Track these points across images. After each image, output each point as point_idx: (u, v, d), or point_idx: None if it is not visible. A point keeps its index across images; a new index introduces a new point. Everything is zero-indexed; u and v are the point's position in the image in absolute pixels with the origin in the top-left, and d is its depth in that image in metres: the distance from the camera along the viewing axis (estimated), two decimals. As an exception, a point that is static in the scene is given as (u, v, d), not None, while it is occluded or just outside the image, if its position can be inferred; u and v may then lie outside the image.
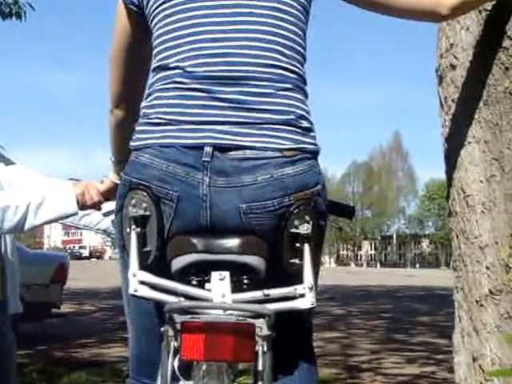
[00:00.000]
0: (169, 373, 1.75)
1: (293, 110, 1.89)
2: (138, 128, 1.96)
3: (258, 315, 1.74)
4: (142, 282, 1.80)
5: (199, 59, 1.88)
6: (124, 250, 1.97)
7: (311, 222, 1.86)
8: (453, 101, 2.16)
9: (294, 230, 1.85)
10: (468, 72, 2.11)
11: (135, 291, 1.80)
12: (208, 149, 1.83)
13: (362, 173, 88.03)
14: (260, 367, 1.72)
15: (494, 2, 2.02)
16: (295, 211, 1.85)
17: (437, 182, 73.73)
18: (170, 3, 1.92)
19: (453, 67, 2.16)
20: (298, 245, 1.86)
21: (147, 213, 1.87)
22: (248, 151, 1.84)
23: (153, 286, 1.81)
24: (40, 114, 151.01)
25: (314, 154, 1.92)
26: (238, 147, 1.84)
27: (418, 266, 76.82)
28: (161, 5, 1.94)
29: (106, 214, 2.65)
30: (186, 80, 1.89)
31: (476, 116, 2.06)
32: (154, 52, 1.99)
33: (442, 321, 11.44)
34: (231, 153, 1.84)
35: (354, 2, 2.00)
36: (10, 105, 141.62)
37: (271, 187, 1.84)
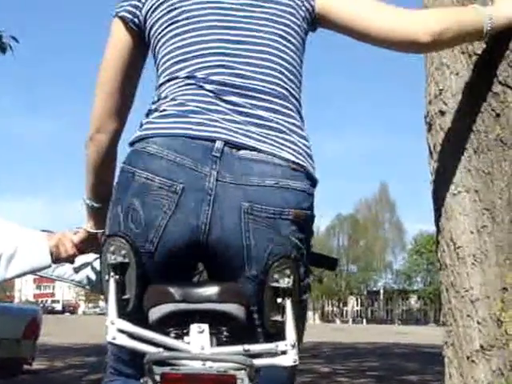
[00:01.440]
0: None
1: (298, 131, 1.93)
2: (144, 121, 1.95)
3: (239, 367, 1.68)
4: (121, 331, 1.75)
5: (208, 70, 1.92)
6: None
7: (292, 276, 1.82)
8: (442, 148, 2.13)
9: (274, 284, 1.81)
10: (458, 118, 2.08)
11: (113, 339, 1.75)
12: (219, 144, 1.84)
13: (347, 225, 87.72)
14: None
15: (483, 46, 1.99)
16: (275, 264, 1.81)
17: (426, 235, 73.58)
18: (179, 24, 1.97)
19: (442, 113, 2.13)
20: (279, 300, 1.82)
21: (126, 260, 1.83)
22: (257, 153, 1.85)
23: (131, 335, 1.75)
24: (12, 162, 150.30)
25: (314, 182, 1.92)
26: (247, 147, 1.85)
27: (405, 322, 76.56)
28: (169, 25, 1.97)
29: (77, 270, 2.56)
30: (197, 82, 1.91)
31: (466, 164, 2.03)
32: (159, 70, 2.00)
33: (431, 380, 11.31)
34: (241, 152, 1.85)
35: (326, 25, 2.04)
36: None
37: (275, 193, 1.84)
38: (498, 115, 1.96)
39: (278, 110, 1.91)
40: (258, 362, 1.71)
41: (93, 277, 2.55)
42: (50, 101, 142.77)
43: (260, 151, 1.85)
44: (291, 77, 1.96)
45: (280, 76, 1.94)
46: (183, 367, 1.68)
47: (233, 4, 1.97)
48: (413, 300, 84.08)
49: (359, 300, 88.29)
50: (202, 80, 1.91)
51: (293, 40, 1.98)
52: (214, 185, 1.81)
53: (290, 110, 1.93)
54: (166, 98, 1.93)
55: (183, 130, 1.86)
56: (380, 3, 1.99)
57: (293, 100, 1.95)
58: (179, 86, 1.93)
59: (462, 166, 2.04)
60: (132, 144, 1.92)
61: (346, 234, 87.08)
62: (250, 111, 1.88)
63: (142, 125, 1.95)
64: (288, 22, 1.98)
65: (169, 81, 1.95)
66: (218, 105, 1.88)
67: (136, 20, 2.03)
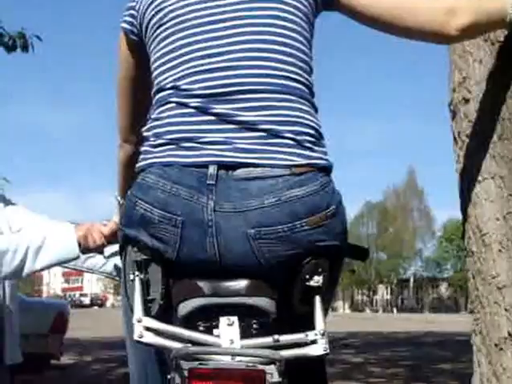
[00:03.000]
0: None
1: (298, 120, 1.81)
2: (142, 149, 1.91)
3: (268, 361, 1.67)
4: (148, 328, 1.75)
5: (195, 76, 1.83)
6: (127, 294, 1.90)
7: (322, 274, 1.79)
8: (466, 136, 2.11)
9: (305, 283, 1.79)
10: (482, 106, 2.06)
11: (140, 337, 1.74)
12: (212, 170, 1.75)
13: (375, 213, 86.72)
14: None
15: (506, 33, 1.97)
16: (305, 263, 1.77)
17: (455, 222, 72.04)
18: (166, 26, 1.89)
19: (466, 101, 2.11)
20: (309, 295, 1.80)
21: (150, 257, 1.81)
22: (254, 169, 1.76)
23: (158, 332, 1.75)
24: (35, 154, 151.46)
25: (326, 171, 1.82)
26: (243, 165, 1.76)
27: (436, 310, 75.99)
28: (157, 29, 1.91)
29: (108, 257, 2.57)
30: (181, 99, 1.83)
31: (491, 151, 2.01)
32: (152, 77, 1.94)
33: (464, 368, 11.21)
34: (236, 172, 1.75)
35: (353, 16, 1.94)
36: (8, 145, 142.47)
37: (280, 210, 1.73)
38: (522, 101, 1.95)
39: (274, 105, 1.79)
40: (287, 353, 1.71)
41: (121, 265, 2.57)
42: (74, 93, 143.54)
43: (256, 165, 1.75)
44: (292, 60, 1.84)
45: (277, 65, 1.82)
46: (211, 362, 1.67)
47: None
48: (443, 287, 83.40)
49: (389, 288, 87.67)
50: (185, 95, 1.82)
51: (292, 17, 1.86)
52: (212, 216, 1.73)
53: (291, 100, 1.81)
54: (156, 120, 1.87)
55: (176, 157, 1.79)
56: None
57: (295, 86, 1.83)
58: (165, 104, 1.86)
59: (487, 153, 2.02)
60: (138, 173, 1.88)
61: (375, 221, 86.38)
62: (239, 118, 1.78)
63: (141, 152, 1.90)
64: None
65: (158, 91, 1.90)
66: (205, 122, 1.80)
67: (134, 29, 1.99)
